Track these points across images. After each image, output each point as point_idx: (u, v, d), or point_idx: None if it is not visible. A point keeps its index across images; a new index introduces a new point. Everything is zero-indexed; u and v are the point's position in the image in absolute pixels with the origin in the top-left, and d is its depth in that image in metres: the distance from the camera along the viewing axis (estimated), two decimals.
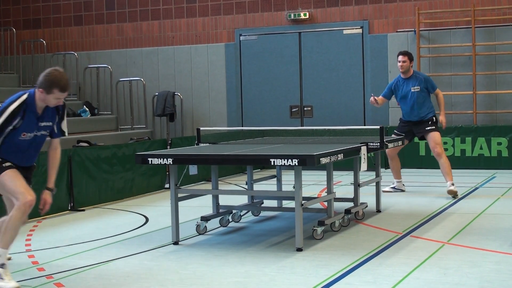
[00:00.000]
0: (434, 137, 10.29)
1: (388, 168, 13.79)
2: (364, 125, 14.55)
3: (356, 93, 15.09)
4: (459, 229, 7.76)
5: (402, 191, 10.75)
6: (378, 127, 8.26)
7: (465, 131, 13.63)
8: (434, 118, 10.43)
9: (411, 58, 10.48)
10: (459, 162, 13.53)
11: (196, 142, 8.62)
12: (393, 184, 10.86)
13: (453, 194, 9.96)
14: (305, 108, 15.51)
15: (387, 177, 12.28)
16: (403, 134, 10.35)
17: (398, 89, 10.57)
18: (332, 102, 15.26)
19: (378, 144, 8.09)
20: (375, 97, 10.51)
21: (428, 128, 10.35)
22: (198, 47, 16.24)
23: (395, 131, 10.73)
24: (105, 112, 16.38)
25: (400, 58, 10.47)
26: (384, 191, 10.22)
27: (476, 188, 11.10)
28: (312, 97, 15.46)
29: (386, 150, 10.12)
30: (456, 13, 14.36)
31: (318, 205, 9.09)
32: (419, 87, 10.39)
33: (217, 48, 16.07)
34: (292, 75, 15.57)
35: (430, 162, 12.96)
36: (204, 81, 16.15)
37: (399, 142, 9.47)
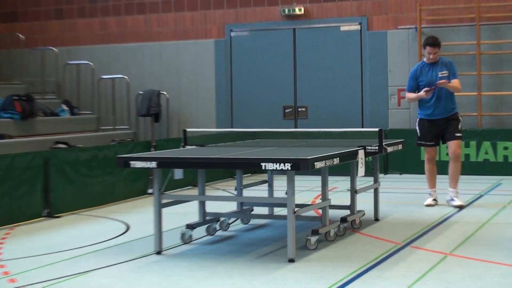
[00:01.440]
0: (459, 141, 9.91)
1: (388, 173, 13.85)
2: (362, 127, 14.52)
3: (353, 93, 15.07)
4: (463, 239, 7.72)
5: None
6: (377, 129, 8.22)
7: (469, 135, 13.59)
8: (459, 116, 9.93)
9: (440, 47, 9.83)
10: (463, 167, 13.30)
11: (183, 144, 8.57)
12: (431, 195, 10.15)
13: (460, 207, 9.84)
14: (299, 109, 15.50)
15: (386, 183, 12.25)
16: (433, 143, 9.94)
17: (422, 74, 9.86)
18: (328, 103, 15.24)
19: (377, 147, 8.07)
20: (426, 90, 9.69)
21: (458, 135, 9.82)
22: (186, 44, 16.21)
23: (419, 142, 10.10)
24: (86, 112, 16.28)
25: (430, 50, 9.74)
26: (428, 205, 9.96)
27: (481, 196, 11.07)
28: (307, 97, 15.44)
29: (426, 155, 10.07)
30: (460, 10, 14.34)
31: (312, 213, 9.04)
32: (447, 71, 9.80)
33: (206, 45, 16.04)
34: (286, 74, 15.56)
35: None
36: (192, 79, 16.12)
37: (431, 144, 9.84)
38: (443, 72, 9.75)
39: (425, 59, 9.94)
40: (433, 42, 9.77)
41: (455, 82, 9.77)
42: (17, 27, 17.35)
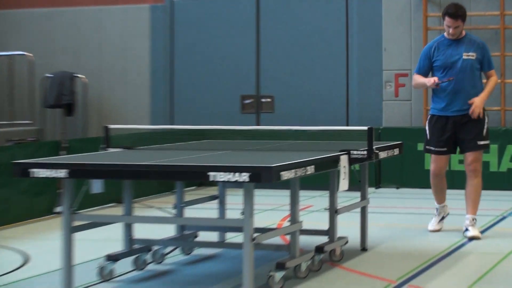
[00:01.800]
0: (480, 152, 9.82)
1: (380, 187, 13.90)
2: (347, 125, 14.61)
3: (336, 79, 15.18)
4: (479, 276, 7.78)
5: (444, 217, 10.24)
6: (366, 128, 8.20)
7: (490, 136, 13.66)
8: (485, 115, 9.80)
9: (464, 19, 9.65)
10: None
11: (104, 146, 8.55)
12: (437, 213, 10.19)
13: (476, 238, 9.80)
14: (262, 100, 15.58)
15: (378, 200, 12.30)
16: (444, 149, 9.78)
17: (439, 53, 9.77)
18: (302, 92, 15.36)
19: (365, 152, 8.07)
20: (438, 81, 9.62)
21: (482, 143, 9.70)
22: (111, 10, 16.25)
23: (427, 147, 9.98)
24: None
25: (449, 22, 9.59)
26: (433, 230, 9.98)
27: (504, 218, 11.21)
28: (274, 84, 15.54)
29: (432, 166, 9.93)
30: None
31: (277, 240, 9.04)
32: (474, 53, 9.70)
33: (139, 12, 16.11)
34: (246, 53, 15.67)
35: None
36: (119, 58, 16.14)
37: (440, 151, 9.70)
38: (469, 54, 9.65)
39: (445, 34, 9.89)
40: (454, 12, 9.59)
41: (491, 84, 9.82)
42: None
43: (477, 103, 9.49)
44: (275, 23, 15.51)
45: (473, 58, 9.63)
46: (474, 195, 9.70)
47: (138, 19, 16.06)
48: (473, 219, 9.70)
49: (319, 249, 8.04)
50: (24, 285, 7.63)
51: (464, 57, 9.62)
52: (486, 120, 9.72)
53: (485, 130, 9.68)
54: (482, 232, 10.01)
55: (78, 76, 15.70)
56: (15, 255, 9.00)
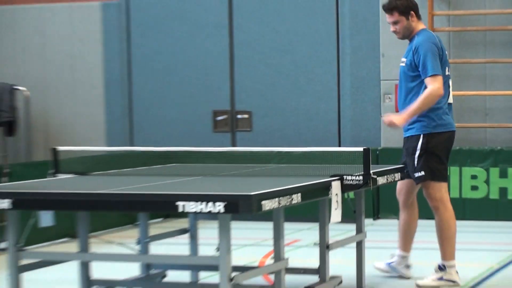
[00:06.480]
0: (425, 184, 9.61)
1: (379, 217, 14.03)
2: (339, 145, 14.71)
3: (326, 91, 15.31)
4: None
5: (403, 276, 9.97)
6: (361, 149, 8.40)
7: (507, 157, 13.90)
8: (426, 140, 9.43)
9: (404, 11, 9.47)
10: (497, 208, 13.78)
11: (53, 171, 8.67)
12: (392, 258, 10.11)
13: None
14: (238, 116, 15.71)
15: (376, 234, 12.42)
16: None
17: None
18: (285, 107, 15.51)
19: (361, 178, 8.22)
20: None
21: (417, 175, 9.49)
22: (56, 8, 16.29)
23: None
24: None
25: (387, 19, 9.59)
26: (377, 268, 9.97)
27: None
28: (251, 97, 15.69)
29: (398, 192, 9.96)
30: None
31: (259, 281, 9.16)
32: (405, 58, 9.60)
33: (89, 10, 16.21)
34: (218, 60, 15.79)
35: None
36: (66, 67, 16.19)
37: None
38: (402, 60, 9.69)
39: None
40: (386, 5, 9.62)
41: (421, 97, 9.25)
42: None
43: (393, 121, 9.32)
44: (252, 23, 15.61)
45: (404, 65, 9.62)
46: (442, 233, 9.54)
47: (88, 19, 16.07)
48: (438, 266, 9.57)
49: None
50: None
51: (401, 64, 9.72)
52: (420, 146, 9.40)
53: (416, 160, 9.42)
54: (498, 270, 10.19)
55: (18, 89, 15.67)
56: None
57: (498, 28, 14.66)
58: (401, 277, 9.86)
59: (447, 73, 9.46)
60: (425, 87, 9.24)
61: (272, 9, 15.50)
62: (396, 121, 9.26)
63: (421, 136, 9.35)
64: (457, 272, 9.51)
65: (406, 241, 9.82)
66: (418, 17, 9.63)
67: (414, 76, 9.42)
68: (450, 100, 9.54)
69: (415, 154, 9.39)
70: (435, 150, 9.36)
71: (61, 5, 16.24)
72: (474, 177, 13.74)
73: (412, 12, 9.50)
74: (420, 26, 9.63)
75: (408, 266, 9.82)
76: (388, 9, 9.46)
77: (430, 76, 9.18)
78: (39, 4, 16.27)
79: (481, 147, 13.89)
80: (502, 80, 14.61)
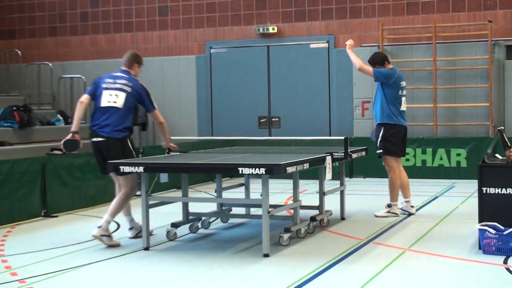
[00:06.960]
0: (383, 158, 9.29)
1: (353, 177, 13.96)
2: (330, 136, 14.59)
3: (322, 104, 15.17)
4: (420, 236, 7.82)
5: (411, 213, 9.38)
6: (343, 137, 8.27)
7: (426, 142, 13.76)
8: (384, 130, 9.12)
9: (375, 62, 9.28)
10: (420, 172, 13.65)
11: (167, 151, 8.56)
12: (389, 206, 9.37)
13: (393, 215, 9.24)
14: (272, 119, 15.57)
15: (351, 186, 12.33)
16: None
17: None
18: (299, 113, 15.33)
19: (343, 154, 8.13)
20: None
21: (379, 152, 9.24)
22: (169, 59, 16.22)
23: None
24: None
25: None
26: (378, 216, 9.19)
27: (436, 197, 11.19)
28: (280, 108, 15.52)
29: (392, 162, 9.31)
30: (418, 29, 14.52)
31: (284, 213, 9.10)
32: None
33: (188, 60, 16.06)
34: (261, 87, 15.62)
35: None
36: (175, 92, 16.13)
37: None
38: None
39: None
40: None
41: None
42: (15, 43, 17.29)
43: (348, 47, 9.25)
44: (280, 67, 15.41)
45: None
46: (389, 186, 9.31)
47: (187, 65, 15.96)
48: (387, 204, 9.38)
49: (313, 218, 8.11)
50: (122, 242, 7.69)
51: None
52: (381, 134, 9.08)
53: (378, 143, 9.12)
54: (421, 207, 10.06)
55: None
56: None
57: (420, 69, 14.44)
58: (366, 211, 9.71)
59: (401, 93, 9.21)
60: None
61: (291, 59, 15.36)
62: (348, 47, 9.20)
63: (382, 127, 9.16)
64: (412, 206, 9.38)
65: (405, 191, 9.38)
66: (389, 63, 9.41)
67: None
68: (403, 108, 9.27)
69: (378, 138, 9.20)
70: (389, 136, 9.16)
71: (173, 57, 16.13)
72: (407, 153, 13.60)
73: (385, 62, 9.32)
74: (389, 66, 9.35)
75: (412, 206, 9.41)
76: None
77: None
78: (160, 57, 16.21)
79: (412, 137, 13.73)
80: (423, 98, 14.42)
